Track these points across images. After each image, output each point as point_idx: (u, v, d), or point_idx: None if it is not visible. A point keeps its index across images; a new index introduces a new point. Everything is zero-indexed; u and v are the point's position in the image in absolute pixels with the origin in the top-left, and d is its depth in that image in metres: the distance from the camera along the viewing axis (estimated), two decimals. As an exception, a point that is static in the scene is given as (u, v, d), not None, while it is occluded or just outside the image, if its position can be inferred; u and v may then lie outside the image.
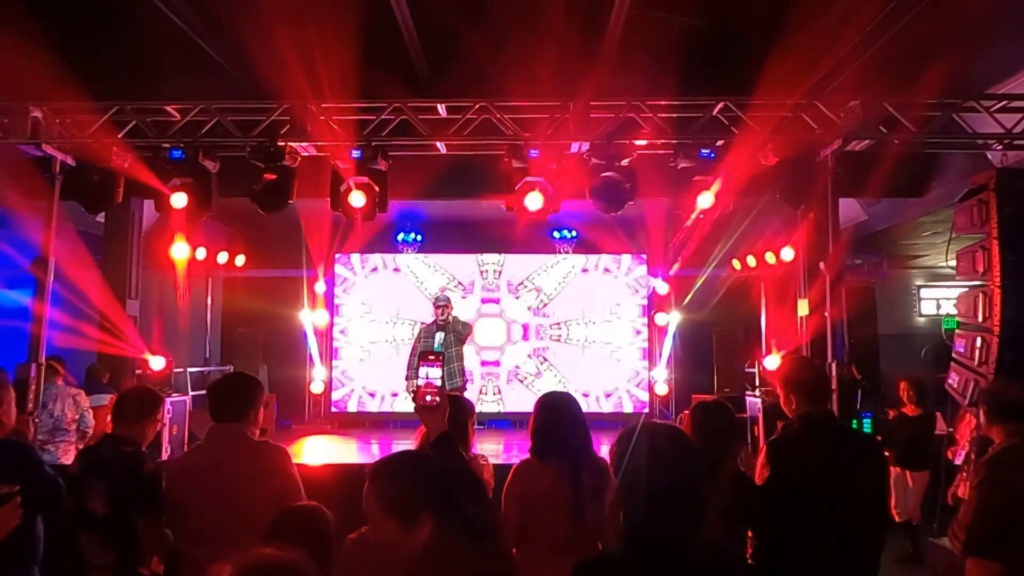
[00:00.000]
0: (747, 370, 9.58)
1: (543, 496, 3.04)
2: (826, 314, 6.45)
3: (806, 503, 2.81)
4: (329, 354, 11.38)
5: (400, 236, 11.56)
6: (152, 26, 6.16)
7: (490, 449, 8.60)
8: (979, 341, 5.15)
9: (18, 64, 5.55)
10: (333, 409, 11.32)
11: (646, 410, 11.14)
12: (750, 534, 3.02)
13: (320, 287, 11.10)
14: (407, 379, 8.43)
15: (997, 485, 2.96)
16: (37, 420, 6.07)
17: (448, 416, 2.47)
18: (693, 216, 6.86)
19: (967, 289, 5.49)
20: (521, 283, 11.65)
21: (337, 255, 11.43)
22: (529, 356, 11.56)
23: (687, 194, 6.49)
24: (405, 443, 8.79)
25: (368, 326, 11.56)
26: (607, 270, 11.66)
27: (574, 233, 11.50)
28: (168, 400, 7.73)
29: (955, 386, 5.32)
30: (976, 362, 5.14)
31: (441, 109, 6.46)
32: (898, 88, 6.17)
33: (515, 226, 7.99)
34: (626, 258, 11.61)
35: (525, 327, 11.61)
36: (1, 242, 7.76)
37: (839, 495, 2.79)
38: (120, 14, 6.23)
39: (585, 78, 6.23)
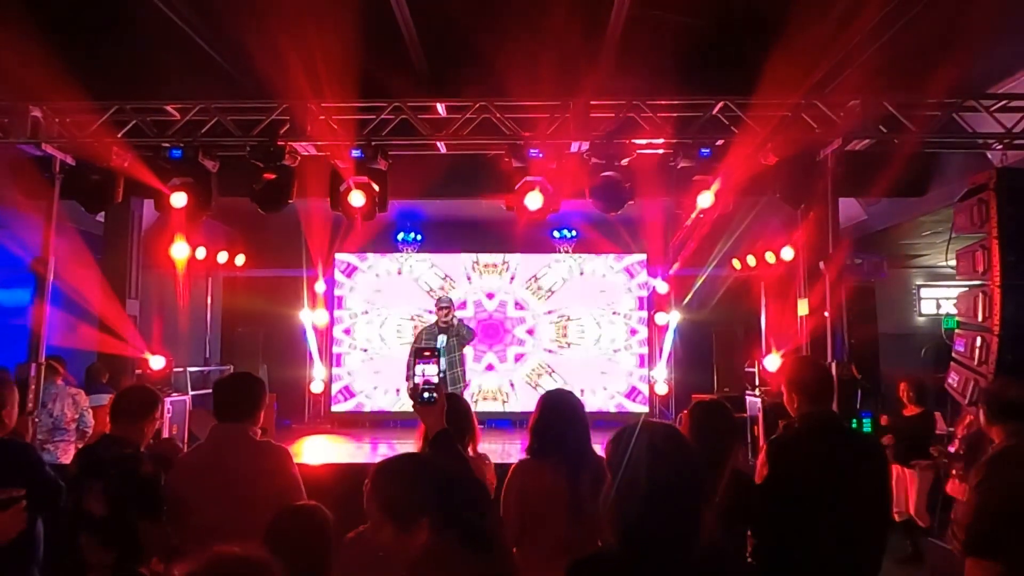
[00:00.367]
0: (747, 370, 9.58)
1: (542, 496, 3.03)
2: (826, 314, 6.45)
3: (806, 503, 2.81)
4: (329, 354, 11.38)
5: (400, 236, 11.56)
6: (152, 26, 6.16)
7: (490, 448, 8.60)
8: (979, 341, 5.15)
9: (18, 64, 5.55)
10: (333, 409, 11.32)
11: (646, 410, 11.14)
12: (750, 534, 3.02)
13: (320, 287, 11.10)
14: (407, 379, 8.44)
15: (997, 485, 2.96)
16: (37, 420, 6.07)
17: (448, 414, 2.47)
18: (693, 216, 6.85)
19: (967, 289, 5.49)
20: (522, 282, 11.65)
21: (337, 255, 11.43)
22: (527, 356, 11.56)
23: (687, 194, 6.48)
24: (406, 443, 8.79)
25: (370, 326, 11.56)
26: (606, 271, 11.65)
27: (574, 233, 11.50)
28: (168, 400, 7.74)
29: (955, 386, 5.32)
30: (976, 362, 5.14)
31: (441, 109, 6.46)
32: (898, 88, 6.17)
33: (515, 226, 8.00)
34: (626, 258, 11.61)
35: (525, 327, 11.60)
36: (1, 242, 7.75)
37: (839, 495, 2.79)
38: (120, 14, 6.23)
39: (585, 78, 6.23)
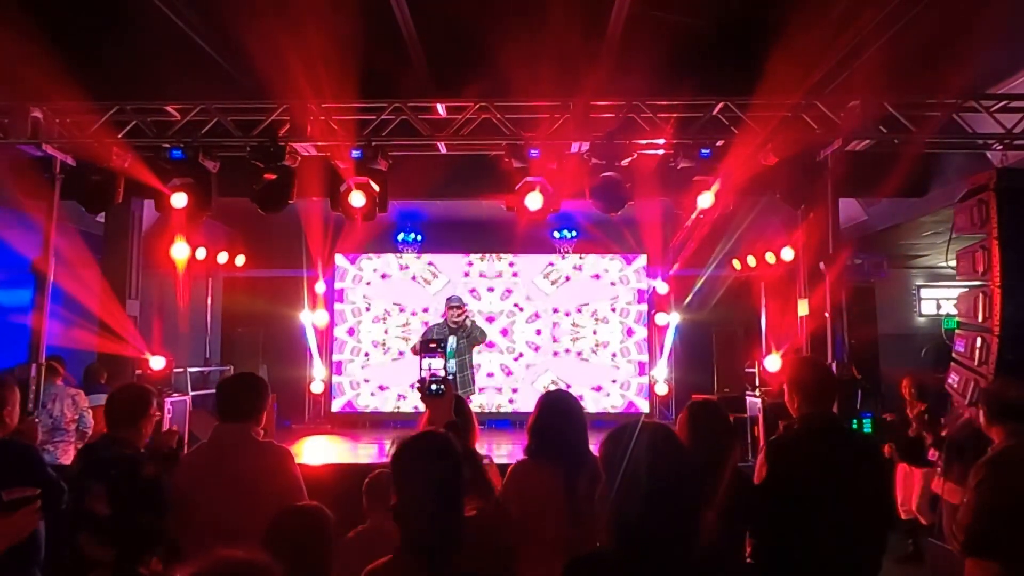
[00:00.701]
0: (747, 370, 9.58)
1: (540, 498, 3.02)
2: (826, 314, 6.45)
3: (805, 503, 2.81)
4: (329, 354, 11.39)
5: (400, 236, 11.56)
6: (152, 26, 6.16)
7: (498, 451, 8.59)
8: (979, 341, 5.15)
9: (18, 64, 5.55)
10: (334, 409, 11.33)
11: (646, 410, 11.15)
12: (749, 534, 3.02)
13: (320, 287, 11.11)
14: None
15: (996, 485, 2.96)
16: (38, 420, 6.06)
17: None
18: (693, 216, 6.86)
19: (967, 289, 5.49)
20: (522, 283, 11.66)
21: (337, 255, 11.44)
22: (526, 354, 11.56)
23: (687, 194, 6.49)
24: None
25: (372, 326, 11.57)
26: (606, 270, 11.66)
27: (574, 233, 11.50)
28: (168, 400, 7.74)
29: (955, 386, 5.32)
30: (976, 362, 5.14)
31: (441, 109, 6.46)
32: (898, 88, 6.17)
33: (515, 226, 7.99)
34: (626, 258, 11.62)
35: (531, 327, 11.61)
36: (1, 242, 7.75)
37: (838, 496, 2.79)
38: (120, 14, 6.23)
39: (585, 78, 6.23)
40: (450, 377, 2.62)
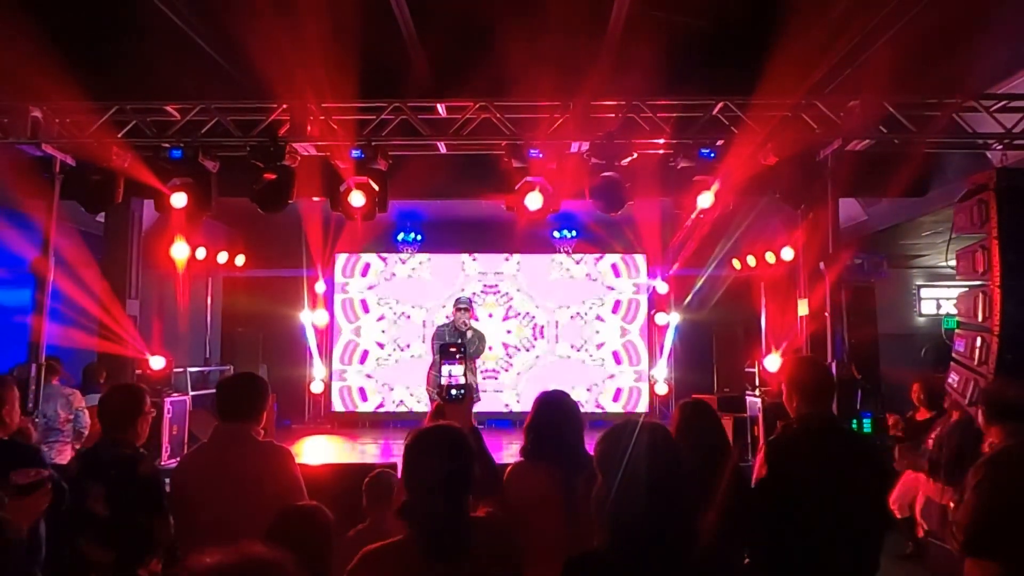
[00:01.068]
0: (747, 370, 9.58)
1: (538, 499, 3.01)
2: (826, 314, 6.45)
3: (803, 504, 2.81)
4: (329, 354, 11.39)
5: (400, 236, 11.56)
6: (152, 26, 6.16)
7: (507, 452, 8.59)
8: (979, 341, 5.15)
9: (18, 64, 5.55)
10: (334, 409, 11.33)
11: (646, 410, 11.15)
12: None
13: (320, 287, 11.11)
14: (428, 380, 8.23)
15: (995, 485, 2.96)
16: (37, 420, 6.06)
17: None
18: (693, 216, 6.85)
19: (967, 289, 5.49)
20: (520, 283, 11.66)
21: (337, 255, 11.44)
22: (526, 354, 11.57)
23: (687, 194, 6.49)
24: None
25: (372, 326, 11.57)
26: (606, 270, 11.66)
27: (574, 233, 11.50)
28: (168, 400, 7.74)
29: (955, 386, 5.32)
30: (976, 362, 5.14)
31: (441, 109, 6.46)
32: (898, 88, 6.17)
33: (515, 226, 7.99)
34: (626, 258, 11.62)
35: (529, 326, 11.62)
36: (1, 242, 7.75)
37: (835, 496, 2.79)
38: (120, 15, 6.23)
39: (585, 78, 6.23)
40: (462, 380, 2.63)
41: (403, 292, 11.61)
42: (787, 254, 8.98)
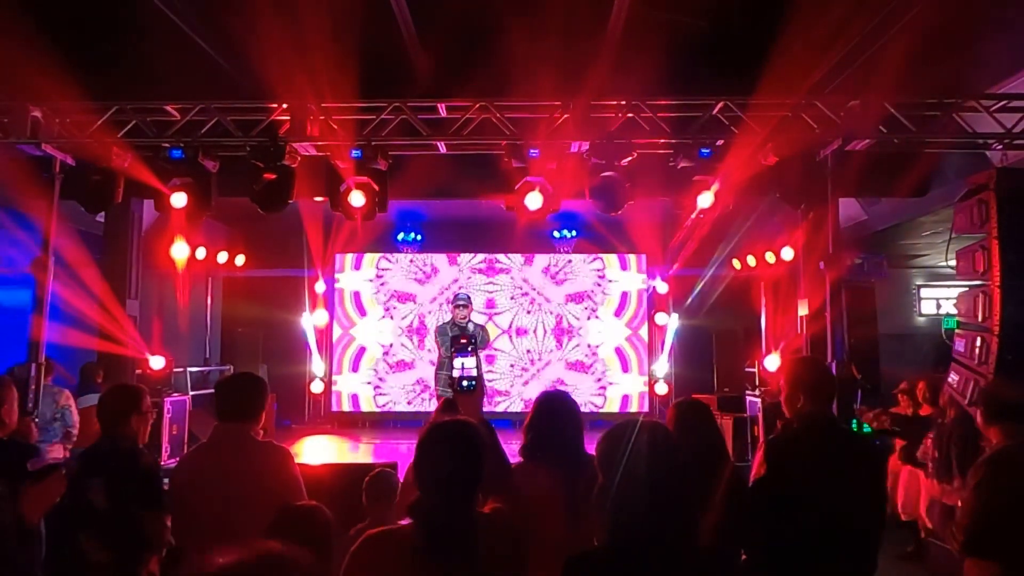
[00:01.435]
0: (747, 370, 9.58)
1: (539, 501, 3.00)
2: (826, 314, 6.45)
3: (801, 503, 2.81)
4: (329, 354, 11.39)
5: (400, 236, 11.57)
6: (152, 26, 6.16)
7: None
8: (979, 341, 5.15)
9: (18, 64, 5.55)
10: (334, 409, 11.34)
11: (646, 410, 11.15)
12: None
13: (320, 287, 11.12)
14: (435, 379, 8.20)
15: (995, 485, 2.96)
16: (36, 420, 6.05)
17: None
18: (693, 216, 6.85)
19: (967, 289, 5.49)
20: (521, 282, 11.66)
21: (337, 255, 11.44)
22: (521, 355, 11.57)
23: (687, 194, 6.49)
24: (407, 443, 8.78)
25: (372, 325, 11.57)
26: (606, 270, 11.66)
27: (574, 233, 11.51)
28: (168, 400, 7.75)
29: (955, 386, 5.32)
30: (976, 362, 5.14)
31: (441, 109, 6.46)
32: (898, 88, 6.17)
33: (515, 226, 7.98)
34: (625, 258, 11.62)
35: (519, 329, 11.61)
36: (1, 242, 7.75)
37: (834, 496, 2.79)
38: (120, 14, 6.22)
39: (585, 78, 6.23)
40: (474, 373, 2.64)
41: (404, 292, 11.60)
42: (787, 254, 8.99)
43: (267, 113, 6.40)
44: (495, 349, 11.27)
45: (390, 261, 11.68)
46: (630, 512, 1.82)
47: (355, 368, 11.49)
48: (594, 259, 11.64)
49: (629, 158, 6.35)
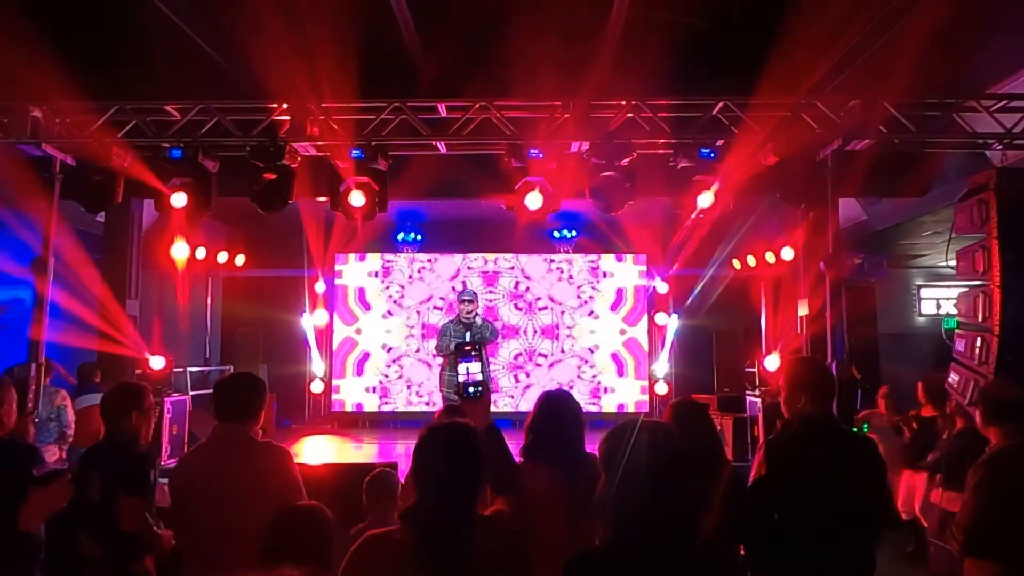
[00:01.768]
0: (747, 370, 9.58)
1: (541, 501, 3.00)
2: (826, 314, 6.45)
3: (801, 502, 2.81)
4: (329, 354, 11.39)
5: (400, 236, 11.57)
6: (152, 26, 6.16)
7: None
8: (979, 341, 5.15)
9: (18, 64, 5.55)
10: (334, 409, 11.34)
11: (646, 409, 11.15)
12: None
13: (320, 287, 11.12)
14: (440, 382, 8.15)
15: (994, 486, 2.96)
16: (37, 420, 6.05)
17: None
18: (693, 216, 6.85)
19: (967, 289, 5.49)
20: (517, 283, 11.66)
21: (337, 255, 11.44)
22: (523, 355, 11.57)
23: (687, 194, 6.49)
24: (406, 443, 8.79)
25: (372, 325, 11.57)
26: (606, 270, 11.66)
27: (574, 233, 11.51)
28: (168, 400, 7.74)
29: (955, 386, 5.32)
30: (976, 362, 5.14)
31: (441, 109, 6.46)
32: (898, 88, 6.17)
33: (515, 226, 7.98)
34: (626, 258, 11.62)
35: (517, 328, 11.62)
36: (1, 242, 7.75)
37: (834, 496, 2.79)
38: (120, 14, 6.22)
39: (585, 78, 6.23)
40: (486, 369, 2.64)
41: (404, 291, 11.60)
42: (787, 254, 8.98)
43: (267, 113, 6.40)
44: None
45: (391, 261, 11.67)
46: (631, 512, 1.82)
47: (359, 372, 11.49)
48: (594, 259, 11.64)
49: (629, 158, 6.35)
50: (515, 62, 5.93)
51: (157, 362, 7.88)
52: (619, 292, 11.63)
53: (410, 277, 11.62)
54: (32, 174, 6.55)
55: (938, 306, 12.12)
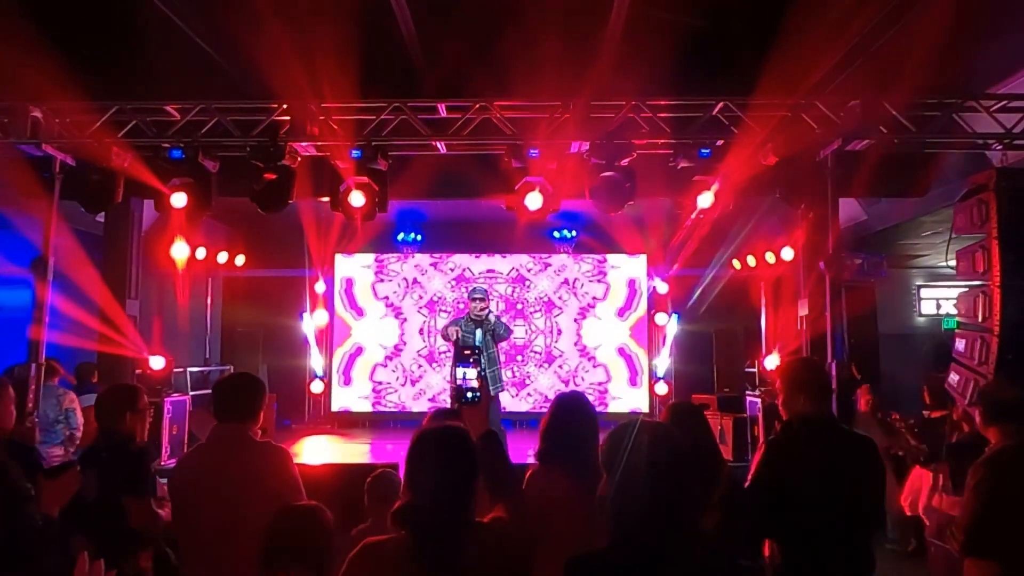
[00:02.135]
0: (747, 370, 9.58)
1: (557, 506, 2.97)
2: (826, 314, 6.45)
3: (800, 502, 2.81)
4: (329, 354, 11.39)
5: (400, 236, 11.57)
6: (152, 26, 6.16)
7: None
8: (979, 341, 5.15)
9: (18, 64, 5.55)
10: (334, 409, 11.33)
11: (646, 410, 11.15)
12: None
13: (320, 287, 11.12)
14: (451, 378, 8.07)
15: (994, 486, 2.97)
16: (37, 420, 6.05)
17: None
18: (693, 216, 6.85)
19: (967, 289, 5.49)
20: (516, 283, 11.66)
21: (337, 255, 11.44)
22: (524, 356, 11.57)
23: (687, 194, 6.49)
24: (406, 444, 8.77)
25: (372, 325, 11.57)
26: (606, 270, 11.66)
27: (574, 233, 11.51)
28: (168, 400, 7.75)
29: (955, 386, 5.32)
30: (976, 362, 5.14)
31: (441, 109, 6.46)
32: (898, 88, 6.17)
33: (515, 226, 7.98)
34: (626, 258, 11.62)
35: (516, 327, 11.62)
36: (1, 241, 7.75)
37: (834, 495, 2.79)
38: (119, 14, 6.22)
39: (585, 78, 6.23)
40: (483, 374, 2.61)
41: (404, 291, 11.60)
42: (787, 254, 8.98)
43: (267, 113, 6.40)
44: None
45: (391, 261, 11.67)
46: (631, 512, 1.82)
47: (358, 372, 11.48)
48: (594, 259, 11.63)
49: (629, 158, 6.35)
50: (515, 62, 5.93)
51: (157, 362, 7.88)
52: (619, 292, 11.62)
53: (414, 280, 11.62)
54: (32, 174, 6.55)
55: (938, 306, 12.12)
